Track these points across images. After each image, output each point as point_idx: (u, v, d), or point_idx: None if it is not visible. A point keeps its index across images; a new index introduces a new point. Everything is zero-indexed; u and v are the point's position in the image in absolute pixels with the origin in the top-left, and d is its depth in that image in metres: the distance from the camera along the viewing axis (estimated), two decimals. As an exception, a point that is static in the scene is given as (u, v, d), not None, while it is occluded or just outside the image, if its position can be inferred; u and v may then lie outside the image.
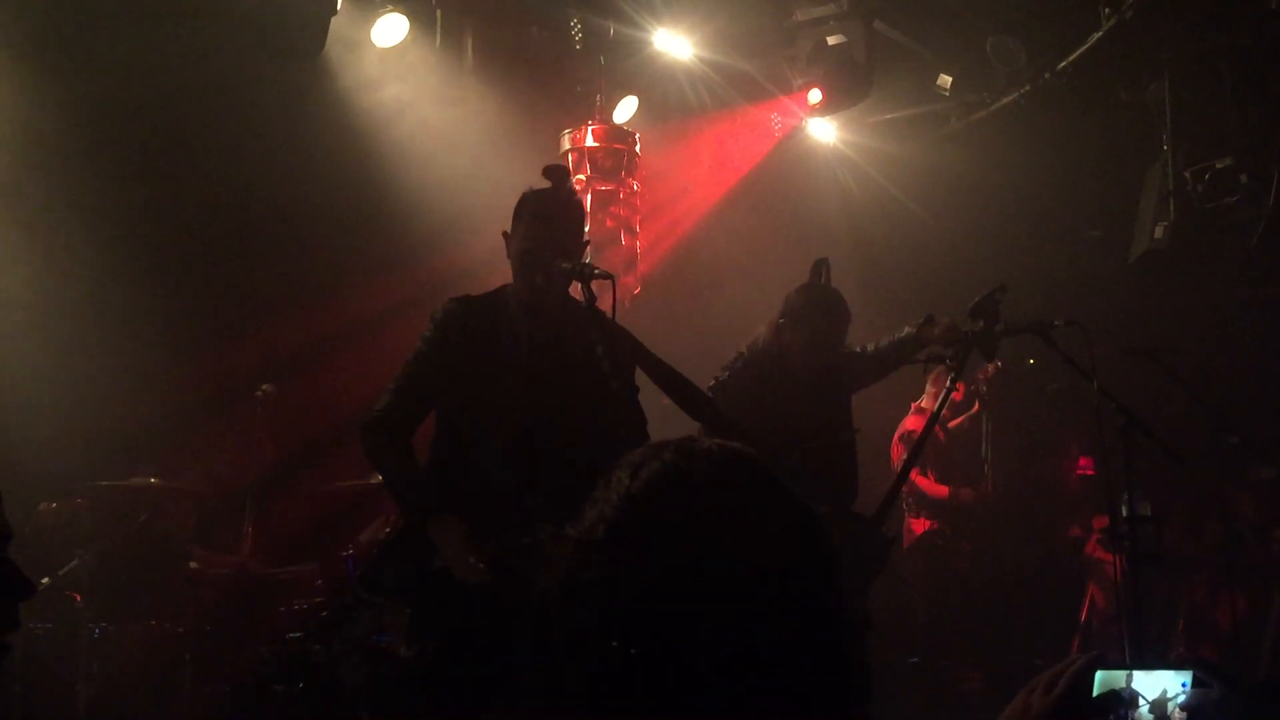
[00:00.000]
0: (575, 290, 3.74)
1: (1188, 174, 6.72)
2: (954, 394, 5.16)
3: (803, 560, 1.31)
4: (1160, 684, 1.66)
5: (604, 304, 3.56)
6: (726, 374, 4.71)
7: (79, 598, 5.17)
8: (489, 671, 3.56)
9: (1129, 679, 1.70)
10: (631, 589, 1.25)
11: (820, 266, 4.81)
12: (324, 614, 5.31)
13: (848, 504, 4.74)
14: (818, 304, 4.69)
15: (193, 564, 5.47)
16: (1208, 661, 1.72)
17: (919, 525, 7.47)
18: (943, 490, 7.43)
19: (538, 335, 3.75)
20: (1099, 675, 1.53)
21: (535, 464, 3.62)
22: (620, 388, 3.46)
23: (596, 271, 3.58)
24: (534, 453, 3.64)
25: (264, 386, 5.54)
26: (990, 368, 7.57)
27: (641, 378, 3.83)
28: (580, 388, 3.70)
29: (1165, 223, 6.77)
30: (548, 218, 3.73)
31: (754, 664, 1.23)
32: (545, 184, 3.81)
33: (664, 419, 4.32)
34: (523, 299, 3.75)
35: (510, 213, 3.81)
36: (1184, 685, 1.64)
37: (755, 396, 4.55)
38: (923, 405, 7.37)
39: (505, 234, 3.80)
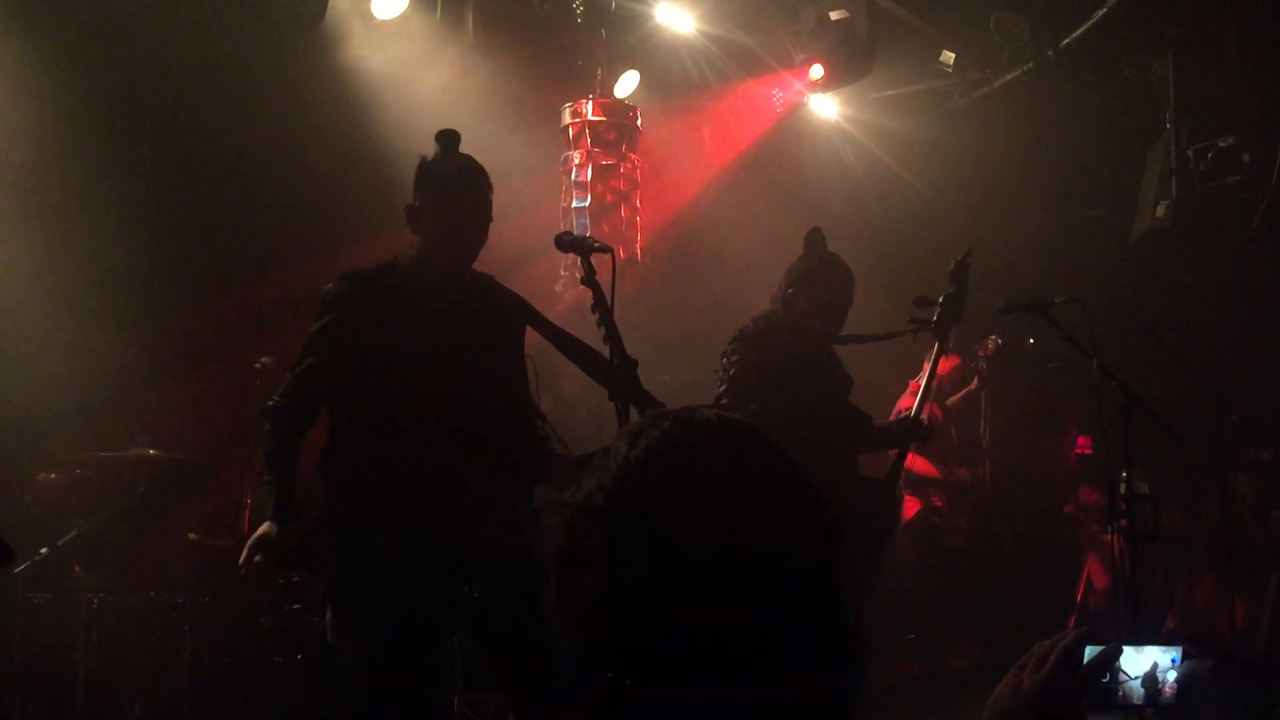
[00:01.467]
0: (574, 262, 3.73)
1: (1190, 153, 6.72)
2: (944, 362, 5.18)
3: (802, 530, 1.31)
4: (1150, 659, 1.67)
5: (603, 278, 3.54)
6: (738, 345, 4.60)
7: (78, 568, 5.17)
8: (439, 655, 3.54)
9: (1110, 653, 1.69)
10: (630, 557, 1.25)
11: (815, 235, 4.77)
12: (323, 586, 5.33)
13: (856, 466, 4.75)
14: (823, 268, 4.67)
15: (191, 535, 5.48)
16: (1198, 638, 1.72)
17: (915, 503, 7.49)
18: (935, 471, 7.43)
19: (443, 303, 3.69)
20: (1089, 650, 1.53)
21: (458, 432, 3.57)
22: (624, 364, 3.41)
23: (596, 245, 3.56)
24: (456, 421, 3.58)
25: (263, 359, 5.52)
26: (990, 345, 7.57)
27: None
28: (490, 352, 3.70)
29: (1167, 201, 6.78)
30: (463, 185, 3.70)
31: (752, 634, 1.24)
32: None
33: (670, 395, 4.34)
34: (433, 269, 3.69)
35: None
36: (1173, 661, 1.64)
37: (779, 367, 4.50)
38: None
39: (410, 206, 3.70)
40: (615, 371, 3.58)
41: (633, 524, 1.26)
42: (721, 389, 4.46)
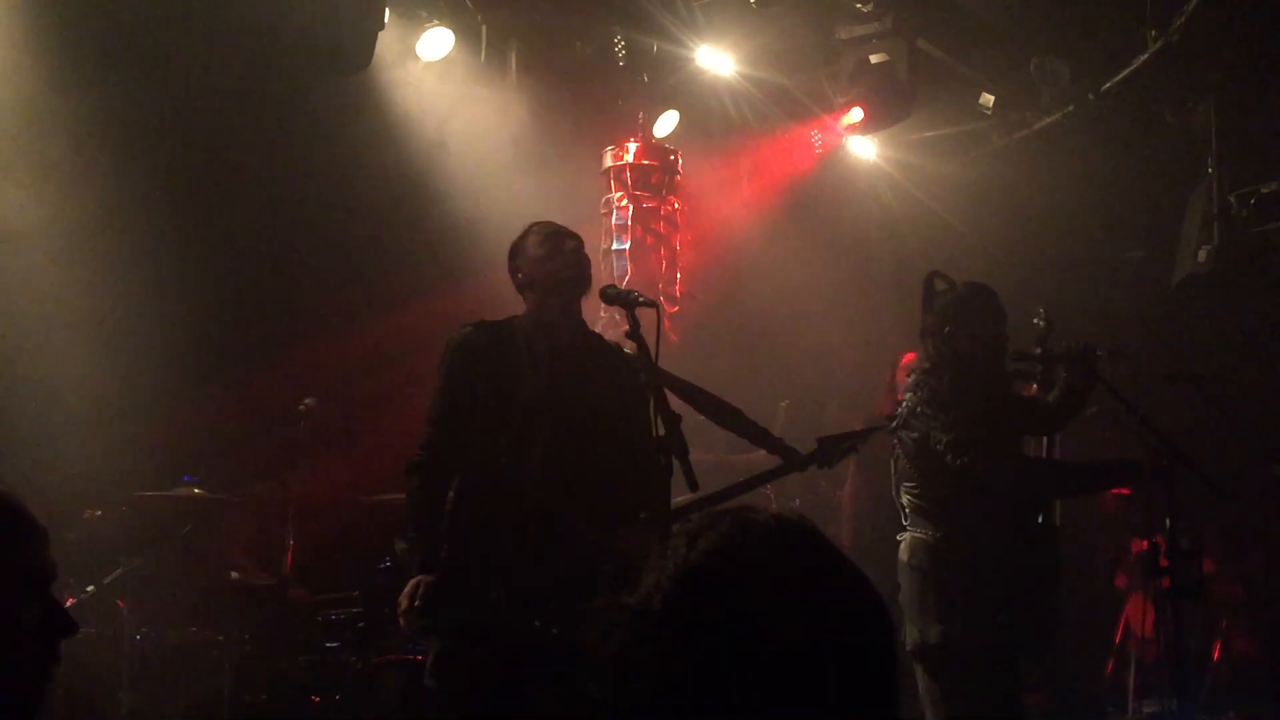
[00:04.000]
0: (620, 314, 3.78)
1: (1232, 198, 6.67)
2: None
3: (859, 632, 1.32)
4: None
5: (647, 329, 3.58)
6: (932, 407, 4.41)
7: (122, 604, 5.24)
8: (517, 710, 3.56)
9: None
10: (686, 663, 1.27)
11: (933, 277, 4.68)
12: (361, 625, 5.38)
13: None
14: (967, 296, 4.56)
15: (233, 574, 5.54)
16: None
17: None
18: None
19: (557, 353, 3.80)
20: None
21: (569, 482, 3.65)
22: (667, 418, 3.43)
23: (641, 299, 3.61)
24: (567, 471, 3.66)
25: (306, 400, 5.58)
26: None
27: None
28: (602, 405, 3.77)
29: (1209, 246, 6.72)
30: (570, 236, 3.89)
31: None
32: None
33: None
34: (546, 320, 3.82)
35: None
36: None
37: (962, 406, 4.38)
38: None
39: (516, 263, 3.88)
40: (745, 423, 3.71)
41: (689, 629, 1.28)
42: (939, 442, 4.32)
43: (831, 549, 1.37)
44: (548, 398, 3.72)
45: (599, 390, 3.79)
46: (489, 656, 3.53)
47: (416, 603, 3.49)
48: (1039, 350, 4.72)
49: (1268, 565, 6.08)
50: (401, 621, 3.55)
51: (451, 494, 3.69)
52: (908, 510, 4.47)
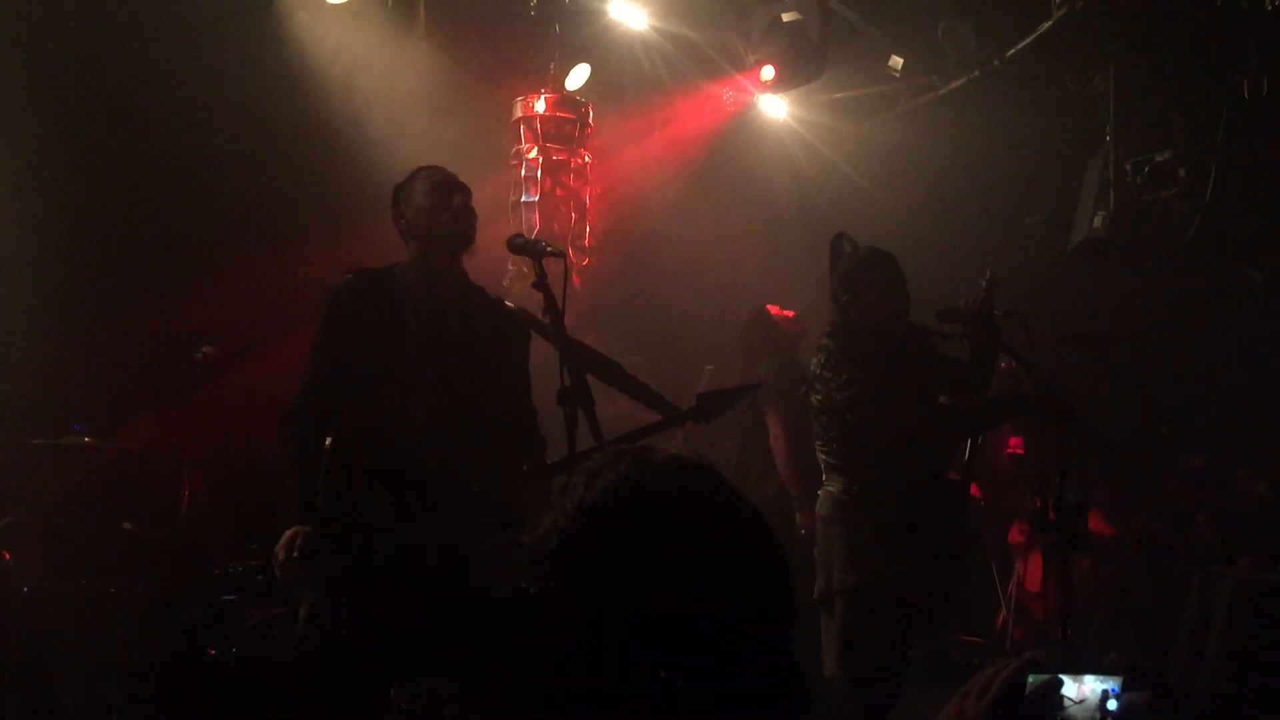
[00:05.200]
0: (527, 265, 3.75)
1: (1128, 165, 6.82)
2: None
3: (753, 572, 1.34)
4: (1091, 688, 1.72)
5: (554, 280, 3.56)
6: (834, 362, 4.53)
7: (8, 555, 5.09)
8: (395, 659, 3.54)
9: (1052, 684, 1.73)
10: (582, 599, 1.27)
11: (840, 240, 4.77)
12: (259, 578, 5.29)
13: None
14: (865, 264, 4.66)
15: (126, 524, 5.41)
16: (1138, 667, 1.78)
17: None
18: None
19: (439, 305, 3.76)
20: (1031, 679, 1.57)
21: (450, 433, 3.63)
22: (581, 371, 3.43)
23: (549, 249, 3.59)
24: (448, 422, 3.64)
25: (204, 348, 5.47)
26: None
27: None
28: (485, 357, 3.75)
29: (1104, 212, 6.88)
30: (459, 190, 3.81)
31: (701, 676, 1.26)
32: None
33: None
34: (428, 271, 3.76)
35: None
36: (1114, 690, 1.69)
37: (869, 371, 4.49)
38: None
39: (400, 208, 3.81)
40: (625, 377, 3.72)
41: (585, 566, 1.29)
42: (837, 401, 4.46)
43: (729, 489, 1.38)
44: (429, 349, 3.68)
45: (481, 342, 3.77)
46: (366, 609, 3.48)
47: (294, 553, 3.43)
48: (951, 310, 4.81)
49: (1155, 523, 6.30)
50: (277, 572, 3.48)
51: (329, 443, 3.63)
52: (823, 466, 4.61)
